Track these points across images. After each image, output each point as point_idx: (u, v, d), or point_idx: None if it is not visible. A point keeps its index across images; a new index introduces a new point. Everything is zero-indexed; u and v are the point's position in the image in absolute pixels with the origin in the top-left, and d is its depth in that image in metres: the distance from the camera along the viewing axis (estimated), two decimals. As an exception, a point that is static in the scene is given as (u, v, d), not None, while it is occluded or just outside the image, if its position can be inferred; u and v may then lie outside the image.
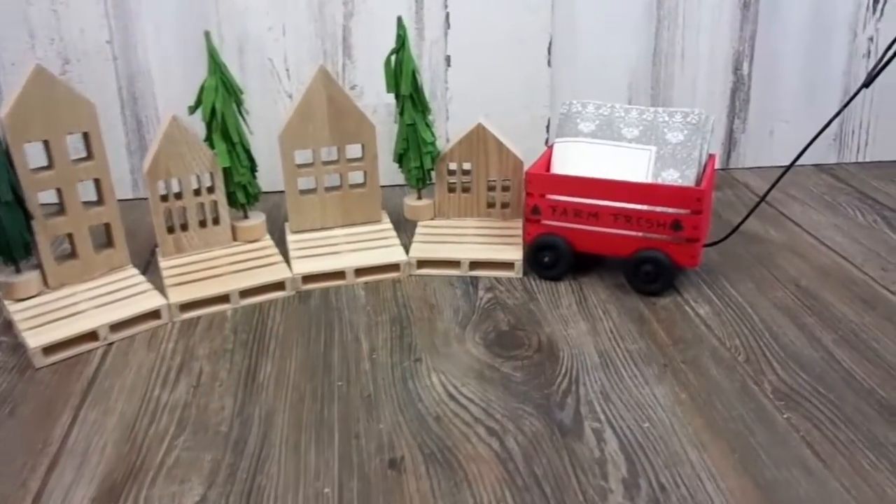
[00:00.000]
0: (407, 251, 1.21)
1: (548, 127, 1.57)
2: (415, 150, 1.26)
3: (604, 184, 1.11)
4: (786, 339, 1.02)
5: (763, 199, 1.16)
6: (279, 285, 1.14)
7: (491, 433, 0.84)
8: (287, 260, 1.19)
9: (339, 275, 1.17)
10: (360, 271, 1.18)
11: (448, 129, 1.54)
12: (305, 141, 1.22)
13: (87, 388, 0.93)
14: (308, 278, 1.16)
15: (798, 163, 1.65)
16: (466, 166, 1.30)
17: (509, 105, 1.54)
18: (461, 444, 0.83)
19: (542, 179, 1.15)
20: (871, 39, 1.57)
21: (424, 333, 1.05)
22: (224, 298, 1.10)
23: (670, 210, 1.11)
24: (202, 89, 1.14)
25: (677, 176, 1.15)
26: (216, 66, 1.13)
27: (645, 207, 1.12)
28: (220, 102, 1.13)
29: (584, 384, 0.93)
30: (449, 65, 1.50)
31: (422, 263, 1.20)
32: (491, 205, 1.32)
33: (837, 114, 1.10)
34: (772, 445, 0.82)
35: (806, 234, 1.33)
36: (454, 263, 1.19)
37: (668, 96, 1.58)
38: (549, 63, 1.53)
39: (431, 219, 1.33)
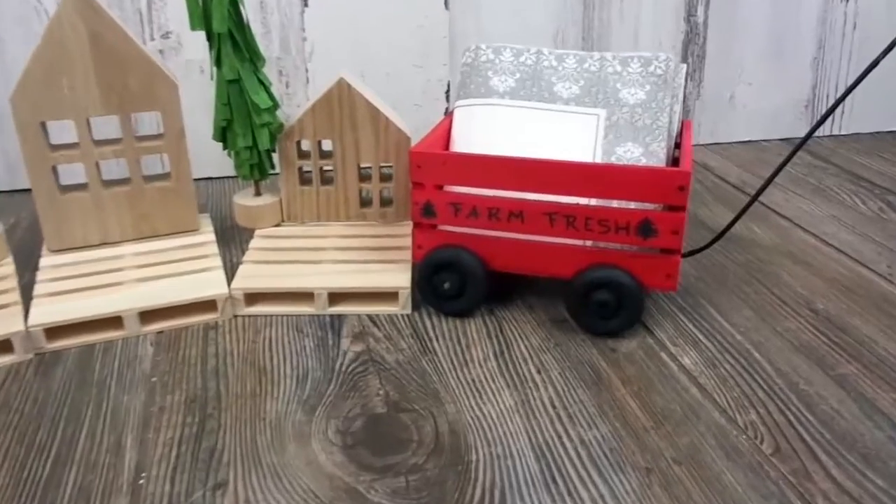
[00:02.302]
0: (231, 279, 0.78)
1: (448, 93, 1.16)
2: (243, 122, 0.82)
3: (531, 166, 0.71)
4: (824, 406, 0.65)
5: (755, 198, 0.78)
6: (1, 345, 0.68)
7: None
8: (27, 300, 0.73)
9: (114, 322, 0.72)
10: (149, 315, 0.73)
11: (309, 98, 1.10)
12: (59, 106, 0.76)
13: None
14: (55, 331, 0.70)
15: (763, 137, 1.29)
16: (326, 145, 0.87)
17: (394, 63, 1.11)
18: None
19: (436, 162, 0.73)
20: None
21: (241, 427, 0.62)
22: None
23: (635, 205, 0.71)
24: None
25: (639, 153, 0.76)
26: None
27: (596, 202, 0.72)
28: None
29: (515, 523, 0.53)
30: (306, 5, 1.06)
31: (253, 298, 0.77)
32: (366, 203, 0.90)
33: (843, 97, 0.72)
34: None
35: (801, 231, 0.97)
36: (305, 296, 0.77)
37: (603, 49, 1.19)
38: (446, 5, 1.11)
39: (277, 225, 0.89)
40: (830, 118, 1.33)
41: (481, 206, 0.73)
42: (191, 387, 0.67)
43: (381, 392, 0.66)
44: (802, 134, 1.32)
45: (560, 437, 0.61)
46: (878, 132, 1.35)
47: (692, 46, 1.23)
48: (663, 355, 0.72)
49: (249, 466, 0.58)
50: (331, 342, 0.73)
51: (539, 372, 0.69)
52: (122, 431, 0.61)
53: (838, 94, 1.31)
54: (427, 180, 0.74)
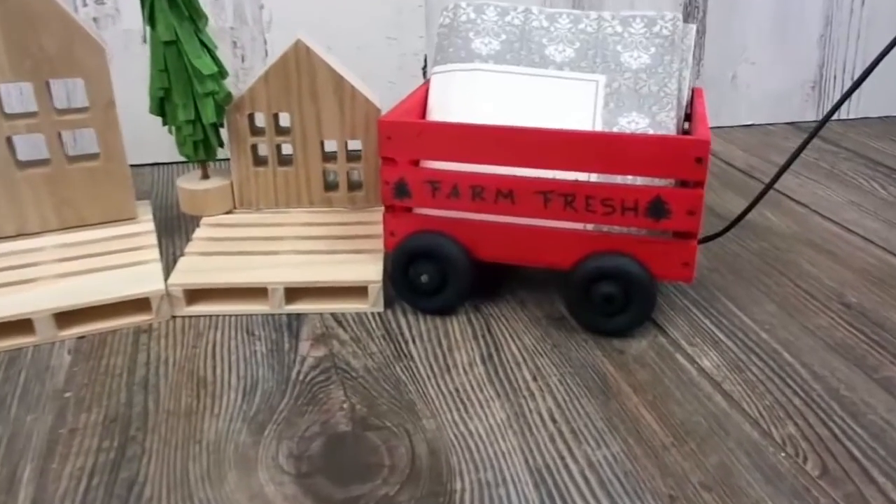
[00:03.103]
0: (170, 274, 0.66)
1: (425, 70, 1.04)
2: (183, 91, 0.70)
3: (522, 136, 0.60)
4: (872, 415, 0.54)
5: (771, 186, 0.68)
6: None
7: None
8: (-79, 301, 0.61)
9: (24, 326, 0.60)
10: (68, 318, 0.61)
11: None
12: (-40, 71, 0.64)
13: None
14: (-50, 338, 0.58)
15: (768, 121, 1.19)
16: (284, 119, 0.76)
17: (364, 35, 1.00)
18: None
19: (409, 132, 0.62)
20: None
21: (170, 453, 0.50)
22: None
23: (645, 182, 0.61)
24: None
25: (645, 124, 0.66)
26: None
27: (598, 178, 0.61)
28: None
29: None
30: (264, -31, 0.95)
31: (195, 296, 0.65)
32: (331, 186, 0.78)
33: (864, 78, 0.62)
34: None
35: (820, 217, 0.87)
36: (257, 293, 0.65)
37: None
38: (421, -29, 1.00)
39: (228, 212, 0.78)
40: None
41: (464, 184, 0.62)
42: (112, 403, 0.55)
43: (345, 406, 0.55)
44: (809, 117, 1.23)
45: (563, 459, 0.50)
46: (887, 116, 1.26)
47: (691, 21, 1.12)
48: (679, 357, 0.61)
49: (177, 502, 0.46)
50: (287, 346, 0.61)
51: (535, 378, 0.58)
52: (18, 461, 0.49)
53: (846, 74, 1.22)
54: (399, 155, 0.63)
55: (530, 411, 0.54)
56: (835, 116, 1.24)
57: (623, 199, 0.60)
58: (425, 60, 1.04)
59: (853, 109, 1.25)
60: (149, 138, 0.95)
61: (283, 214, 0.77)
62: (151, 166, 0.99)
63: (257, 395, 0.56)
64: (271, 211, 0.78)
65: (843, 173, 1.01)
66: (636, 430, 0.53)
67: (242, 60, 0.96)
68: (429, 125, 0.62)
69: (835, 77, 1.21)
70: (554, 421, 0.53)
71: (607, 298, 0.61)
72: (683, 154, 0.57)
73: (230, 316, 0.65)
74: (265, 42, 0.97)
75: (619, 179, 0.62)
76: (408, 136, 0.62)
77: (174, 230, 0.80)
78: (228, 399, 0.55)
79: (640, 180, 0.62)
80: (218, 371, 0.58)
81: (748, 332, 0.64)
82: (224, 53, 0.94)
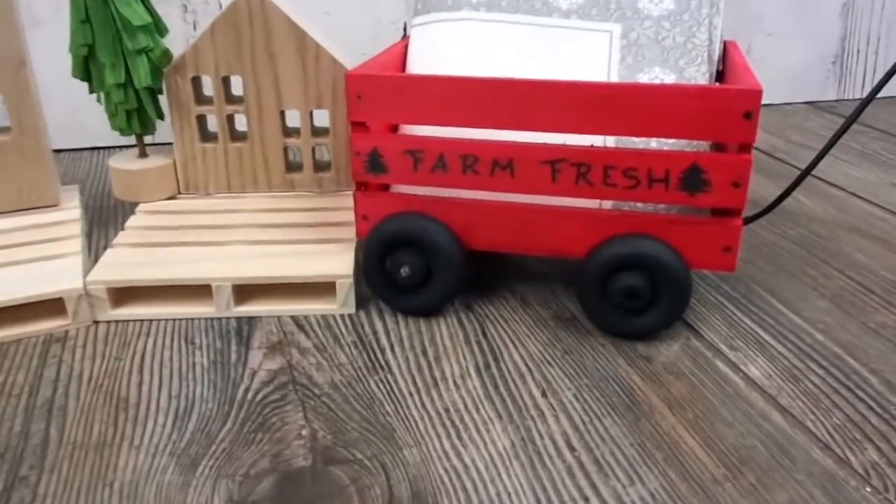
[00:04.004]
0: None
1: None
2: (109, 47, 0.58)
3: (525, 90, 0.48)
4: (974, 437, 0.43)
5: (809, 171, 0.57)
6: None
7: None
8: None
9: None
10: (-43, 323, 0.49)
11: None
12: None
13: None
14: None
15: (786, 100, 1.08)
16: (236, 86, 0.64)
17: (335, 1, 0.88)
18: None
19: (385, 88, 0.50)
20: None
21: (71, 498, 0.38)
22: None
23: (670, 147, 0.49)
24: None
25: (671, 81, 0.54)
26: None
27: (615, 142, 0.50)
28: None
29: None
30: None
31: (124, 295, 0.53)
32: (294, 166, 0.66)
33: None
34: None
35: (860, 201, 0.76)
36: (201, 291, 0.53)
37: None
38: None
39: (171, 197, 0.65)
40: (861, 80, 1.13)
41: (452, 153, 0.50)
42: (2, 432, 0.42)
43: (304, 433, 0.43)
44: (829, 96, 1.12)
45: (586, 499, 0.38)
46: (913, 94, 1.15)
47: (701, -12, 1.01)
48: (720, 364, 0.49)
49: (68, 573, 0.34)
50: (234, 357, 0.49)
51: (544, 394, 0.46)
52: None
53: (870, 48, 1.11)
54: (373, 118, 0.51)
55: (540, 436, 0.43)
56: (858, 95, 1.14)
57: (651, 168, 0.48)
58: (405, 29, 0.92)
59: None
60: (91, 119, 0.82)
61: (237, 200, 0.65)
62: (91, 150, 0.86)
63: (192, 419, 0.44)
64: (223, 196, 0.66)
65: (877, 153, 0.90)
66: (678, 460, 0.41)
67: (194, 27, 0.84)
68: (409, 79, 0.50)
69: (858, 51, 1.11)
70: (572, 449, 0.42)
71: (630, 293, 0.50)
72: (729, 108, 0.45)
73: (166, 320, 0.53)
74: (220, 6, 0.85)
75: (640, 146, 0.51)
76: (383, 94, 0.50)
77: (109, 221, 0.67)
78: (154, 426, 0.43)
79: (667, 146, 0.50)
80: (144, 389, 0.46)
81: (799, 332, 0.53)
82: (172, 19, 0.81)
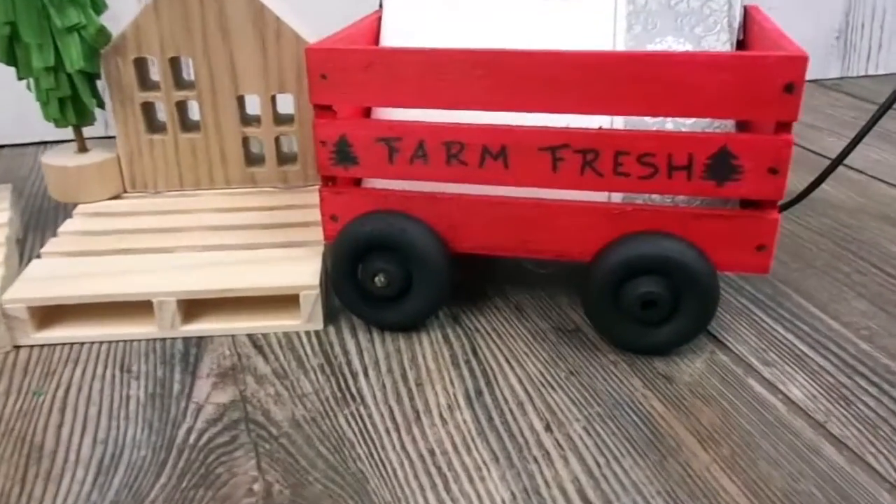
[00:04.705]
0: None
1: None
2: (35, 24, 0.49)
3: (521, 63, 0.40)
4: None
5: (840, 161, 0.49)
6: None
7: None
8: None
9: None
10: None
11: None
12: None
13: None
14: None
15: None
16: (186, 69, 0.55)
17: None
18: None
19: (354, 64, 0.42)
20: None
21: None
22: None
23: (689, 127, 0.42)
24: None
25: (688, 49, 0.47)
26: None
27: (623, 124, 0.42)
28: None
29: None
30: None
31: (51, 315, 0.45)
32: (255, 159, 0.58)
33: None
34: None
35: (885, 185, 0.69)
36: (140, 308, 0.45)
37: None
38: None
39: (116, 197, 0.57)
40: (866, 56, 1.06)
41: (434, 140, 0.42)
42: None
43: (256, 487, 0.35)
44: (833, 74, 1.05)
45: (608, 569, 0.31)
46: (923, 72, 1.09)
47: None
48: (754, 383, 0.42)
49: None
50: (177, 389, 0.41)
51: (548, 428, 0.38)
52: None
53: (874, 23, 1.04)
54: (340, 100, 0.43)
55: (547, 484, 0.35)
56: (862, 72, 1.07)
57: (671, 153, 0.40)
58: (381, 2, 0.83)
59: (882, 64, 1.07)
60: (36, 110, 0.74)
61: (190, 198, 0.57)
62: (38, 146, 0.78)
63: (118, 472, 0.36)
64: (174, 194, 0.57)
65: (894, 133, 0.83)
66: (716, 512, 0.33)
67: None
68: (382, 53, 0.42)
69: (862, 25, 1.03)
70: (586, 502, 0.34)
71: (647, 302, 0.42)
72: (767, 79, 0.38)
73: (100, 343, 0.45)
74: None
75: (652, 128, 0.43)
76: (352, 72, 0.42)
77: (47, 225, 0.59)
78: (71, 482, 0.35)
79: (684, 127, 0.43)
80: (64, 433, 0.38)
81: (840, 341, 0.46)
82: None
